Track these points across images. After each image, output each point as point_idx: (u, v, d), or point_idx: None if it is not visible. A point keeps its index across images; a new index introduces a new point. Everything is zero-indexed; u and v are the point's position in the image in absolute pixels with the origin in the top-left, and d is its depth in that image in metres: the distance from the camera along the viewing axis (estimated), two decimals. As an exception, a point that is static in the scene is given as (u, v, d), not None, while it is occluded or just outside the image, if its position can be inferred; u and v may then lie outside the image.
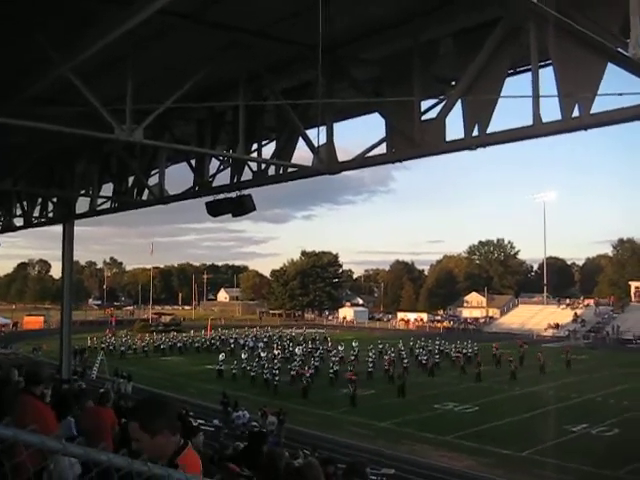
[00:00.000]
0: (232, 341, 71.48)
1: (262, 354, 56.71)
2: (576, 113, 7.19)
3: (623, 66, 6.77)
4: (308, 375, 44.55)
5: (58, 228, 20.31)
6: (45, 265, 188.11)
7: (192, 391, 43.61)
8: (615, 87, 6.92)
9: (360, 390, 41.33)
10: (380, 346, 60.78)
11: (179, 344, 71.71)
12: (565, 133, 7.67)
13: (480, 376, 47.62)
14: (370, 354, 53.40)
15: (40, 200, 19.85)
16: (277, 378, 44.28)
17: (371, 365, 50.47)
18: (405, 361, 52.60)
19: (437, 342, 63.86)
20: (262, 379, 46.09)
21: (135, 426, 3.28)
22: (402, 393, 41.54)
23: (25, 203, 20.06)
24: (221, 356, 54.27)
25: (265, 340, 73.16)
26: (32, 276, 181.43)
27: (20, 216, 20.47)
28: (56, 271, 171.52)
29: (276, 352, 58.29)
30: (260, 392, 42.70)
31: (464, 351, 59.94)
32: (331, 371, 47.47)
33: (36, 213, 20.06)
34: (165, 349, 69.21)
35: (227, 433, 27.62)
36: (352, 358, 54.88)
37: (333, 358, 52.62)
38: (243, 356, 54.03)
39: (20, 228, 21.11)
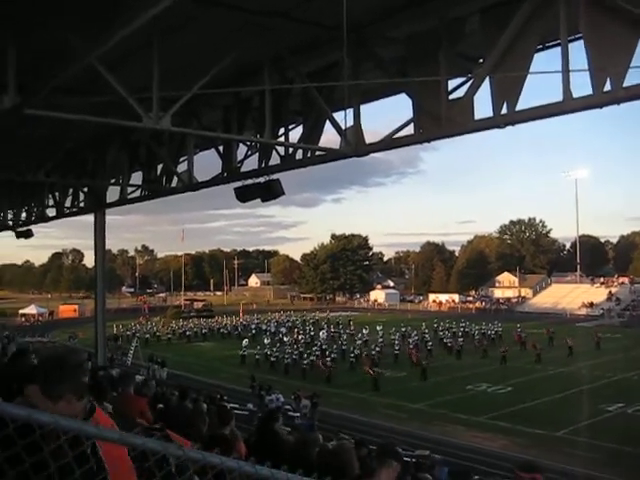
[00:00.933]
0: (253, 327, 71.06)
1: (285, 339, 56.80)
2: (608, 87, 7.05)
3: (656, 37, 6.61)
4: (329, 361, 44.55)
5: (90, 217, 20.57)
6: (78, 254, 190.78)
7: (225, 376, 44.04)
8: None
9: (391, 372, 41.46)
10: (403, 329, 60.50)
11: (204, 330, 72.06)
12: (597, 108, 7.52)
13: (505, 359, 47.18)
14: (394, 337, 54.01)
15: (71, 190, 20.10)
16: (305, 362, 44.53)
17: (397, 348, 50.57)
18: (429, 344, 52.32)
19: (462, 324, 63.57)
20: (283, 364, 46.38)
21: (34, 389, 2.82)
22: (424, 376, 41.36)
23: (57, 194, 20.33)
24: (245, 342, 54.74)
25: (289, 325, 73.10)
26: (66, 266, 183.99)
27: (52, 206, 20.75)
28: (89, 260, 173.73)
29: (299, 337, 58.05)
30: (287, 376, 43.07)
31: (488, 332, 59.49)
32: (352, 355, 47.34)
33: (68, 203, 20.32)
34: (198, 334, 69.95)
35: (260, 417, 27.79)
36: (378, 341, 54.33)
37: (358, 342, 52.50)
38: (265, 341, 54.19)
39: (53, 218, 21.41)
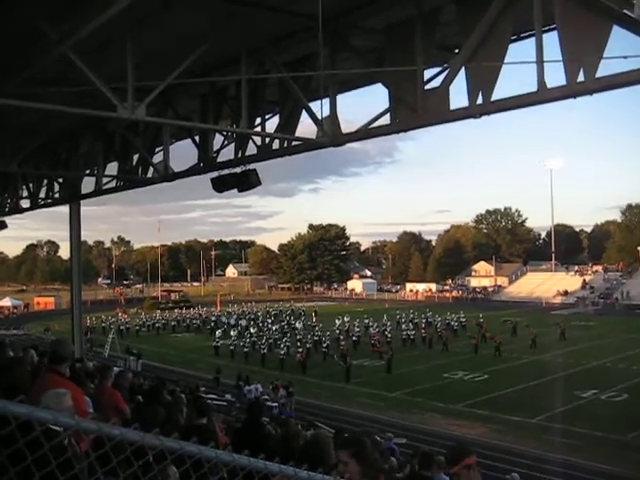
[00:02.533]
0: (214, 319, 69.38)
1: (252, 330, 55.47)
2: (581, 78, 7.11)
3: (629, 28, 6.69)
4: (303, 351, 44.48)
5: (65, 208, 20.35)
6: (53, 246, 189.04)
7: (201, 366, 44.04)
8: (620, 50, 6.84)
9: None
10: (366, 320, 59.66)
11: (172, 322, 71.25)
12: (570, 98, 7.59)
13: (477, 349, 47.12)
14: (356, 329, 54.29)
15: (46, 181, 19.87)
16: (282, 352, 44.48)
17: (355, 339, 51.19)
18: (389, 336, 51.36)
19: (426, 314, 63.37)
20: (260, 354, 46.45)
21: None
22: (388, 369, 41.04)
23: (31, 185, 20.10)
24: (218, 333, 54.65)
25: (250, 317, 71.49)
26: (41, 257, 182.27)
27: (27, 198, 20.51)
28: (65, 252, 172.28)
29: (253, 330, 55.92)
30: (264, 367, 43.23)
31: (451, 323, 59.08)
32: (324, 345, 47.25)
33: (42, 194, 20.09)
34: (175, 326, 69.67)
35: (239, 407, 27.88)
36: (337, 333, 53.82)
37: (318, 334, 51.39)
38: (232, 333, 53.87)
39: (27, 209, 21.16)
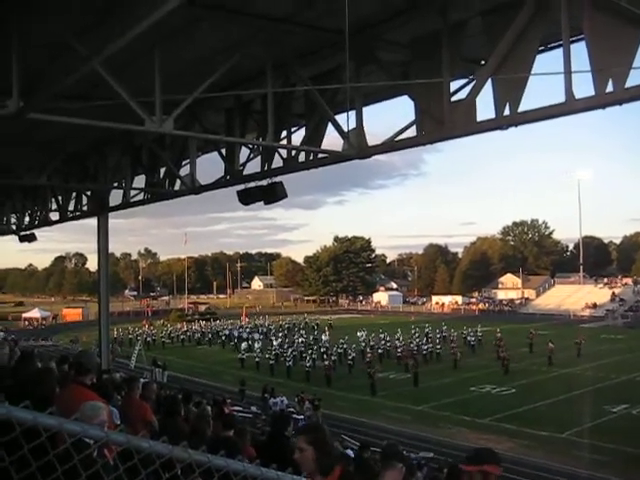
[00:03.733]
0: (227, 332, 69.33)
1: (275, 343, 54.37)
2: (610, 88, 7.04)
3: (658, 38, 6.61)
4: (329, 363, 44.30)
5: (93, 221, 20.59)
6: (81, 258, 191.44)
7: (228, 379, 44.09)
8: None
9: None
10: (382, 334, 56.47)
11: (197, 334, 71.24)
12: (598, 109, 7.51)
13: (507, 367, 44.52)
14: (382, 341, 53.42)
15: (74, 194, 20.12)
16: (308, 365, 44.49)
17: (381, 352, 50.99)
18: (415, 349, 49.76)
19: (441, 328, 60.80)
20: (285, 366, 46.35)
21: None
22: (415, 382, 40.54)
23: (60, 197, 20.36)
24: (244, 345, 54.67)
25: (263, 330, 71.32)
26: (69, 269, 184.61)
27: (55, 210, 20.78)
28: (92, 264, 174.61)
29: (276, 343, 54.56)
30: (290, 379, 43.13)
31: (468, 338, 56.57)
32: (350, 358, 46.97)
33: (71, 207, 20.33)
34: (199, 338, 69.77)
35: (265, 419, 27.84)
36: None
37: (344, 347, 50.72)
38: (256, 345, 54.14)
39: (56, 222, 21.42)
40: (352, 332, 60.59)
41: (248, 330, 70.52)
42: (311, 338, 60.34)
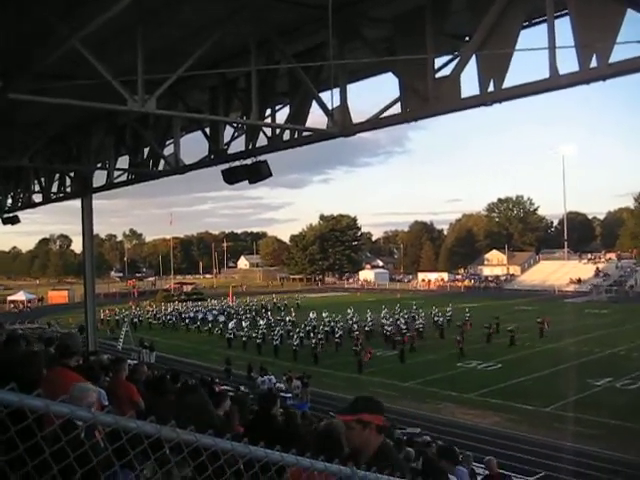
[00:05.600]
0: (192, 314, 68.08)
1: (261, 322, 54.65)
2: (594, 63, 7.04)
3: (642, 13, 6.60)
4: (316, 341, 44.60)
5: (77, 202, 20.42)
6: (66, 240, 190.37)
7: (216, 358, 44.20)
8: (635, 35, 6.75)
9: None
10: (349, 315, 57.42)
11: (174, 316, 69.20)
12: (583, 84, 7.51)
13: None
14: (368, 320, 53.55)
15: (57, 175, 19.93)
16: (295, 343, 44.82)
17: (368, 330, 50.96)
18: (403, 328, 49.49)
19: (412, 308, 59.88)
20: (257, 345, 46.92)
21: None
22: (402, 358, 41.14)
23: (43, 179, 20.16)
24: (230, 324, 54.65)
25: (230, 312, 69.81)
26: (54, 251, 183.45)
27: (39, 192, 20.58)
28: (77, 245, 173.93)
29: (262, 322, 54.89)
30: (277, 358, 43.33)
31: (435, 319, 54.61)
32: (337, 336, 47.29)
33: (54, 189, 20.14)
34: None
35: (253, 398, 27.95)
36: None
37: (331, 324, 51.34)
38: (244, 324, 54.04)
39: (39, 204, 21.24)
40: (338, 310, 60.86)
41: (215, 312, 69.23)
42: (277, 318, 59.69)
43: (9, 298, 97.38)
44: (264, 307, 74.17)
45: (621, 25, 6.81)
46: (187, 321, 64.90)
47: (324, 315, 57.78)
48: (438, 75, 9.05)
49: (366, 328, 51.79)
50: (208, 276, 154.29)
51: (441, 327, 52.82)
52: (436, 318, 54.96)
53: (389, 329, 49.73)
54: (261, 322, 54.39)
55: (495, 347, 44.45)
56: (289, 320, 56.80)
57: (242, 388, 31.82)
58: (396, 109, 9.76)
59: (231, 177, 12.53)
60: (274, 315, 63.33)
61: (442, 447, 13.28)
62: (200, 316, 66.34)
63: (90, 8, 6.92)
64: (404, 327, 49.86)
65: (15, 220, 22.29)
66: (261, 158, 12.13)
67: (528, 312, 56.81)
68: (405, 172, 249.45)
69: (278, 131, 11.84)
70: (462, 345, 42.51)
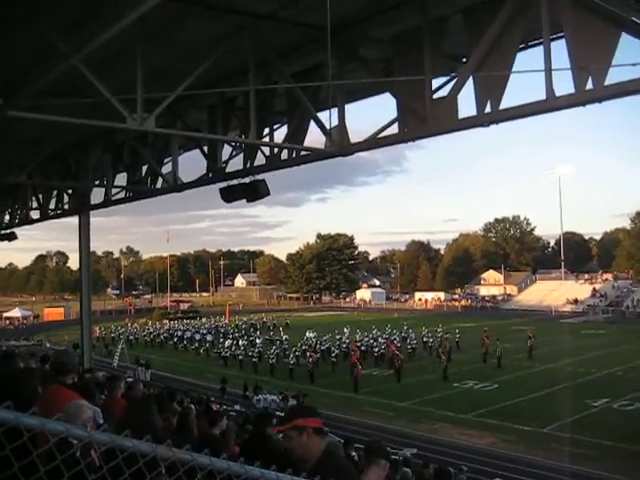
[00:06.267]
0: (180, 333, 66.16)
1: (258, 341, 53.93)
2: (590, 86, 7.11)
3: (637, 36, 6.69)
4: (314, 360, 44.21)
5: (74, 219, 20.43)
6: (63, 257, 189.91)
7: (210, 376, 43.95)
8: (629, 58, 6.82)
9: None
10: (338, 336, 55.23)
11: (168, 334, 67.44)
12: (579, 106, 7.59)
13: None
14: (365, 338, 52.82)
15: (55, 192, 19.97)
16: (291, 362, 44.37)
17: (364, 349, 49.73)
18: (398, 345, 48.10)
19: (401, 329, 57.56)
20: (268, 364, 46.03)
21: None
22: (398, 378, 40.63)
23: (41, 196, 20.19)
24: (227, 343, 54.10)
25: (220, 330, 68.43)
26: (50, 268, 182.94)
27: (36, 209, 20.61)
28: (74, 262, 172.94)
29: (259, 341, 54.14)
30: (273, 377, 43.09)
31: (425, 339, 52.70)
32: (333, 355, 46.82)
33: (52, 205, 20.19)
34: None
35: (248, 417, 27.80)
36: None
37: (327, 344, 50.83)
38: (240, 343, 53.46)
39: (37, 221, 21.27)
40: (340, 329, 60.65)
41: (204, 331, 67.93)
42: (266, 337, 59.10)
43: (5, 315, 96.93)
44: (253, 326, 73.18)
45: (616, 48, 6.89)
46: (175, 340, 64.00)
47: (310, 335, 57.32)
48: (435, 96, 9.13)
49: (362, 347, 51.04)
50: (205, 294, 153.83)
51: (431, 347, 51.53)
52: (425, 339, 53.33)
53: (376, 350, 48.87)
54: (257, 341, 53.96)
55: (491, 367, 44.24)
56: (285, 339, 56.47)
57: (237, 407, 31.69)
58: (394, 129, 9.84)
59: (229, 195, 12.57)
60: (263, 334, 62.47)
61: (438, 469, 13.23)
62: (188, 335, 65.27)
63: (92, 27, 6.98)
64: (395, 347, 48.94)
65: (12, 236, 22.28)
66: (259, 177, 12.18)
67: (525, 332, 56.57)
68: (403, 191, 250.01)
69: (276, 150, 11.90)
70: (446, 365, 41.58)
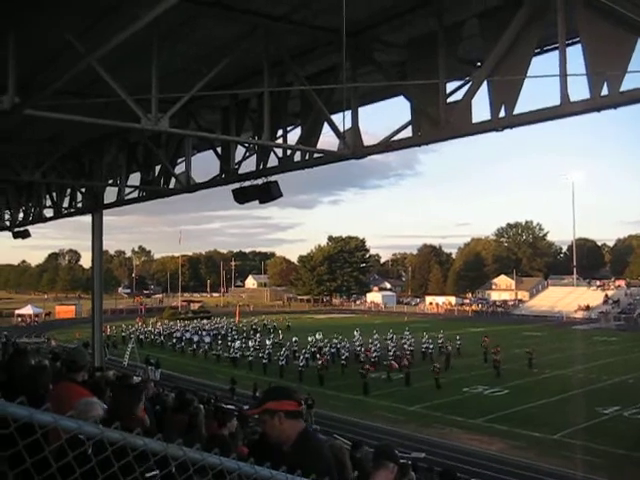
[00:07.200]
0: (179, 334, 65.98)
1: (268, 342, 53.53)
2: (605, 91, 7.07)
3: (654, 42, 6.65)
4: (322, 362, 44.22)
5: (87, 218, 20.54)
6: (75, 255, 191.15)
7: (221, 377, 44.02)
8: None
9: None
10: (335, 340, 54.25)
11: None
12: (594, 112, 7.54)
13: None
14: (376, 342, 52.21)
15: (69, 191, 20.09)
16: (301, 364, 44.42)
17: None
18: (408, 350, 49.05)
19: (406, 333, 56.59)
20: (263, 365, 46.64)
21: None
22: (407, 382, 40.52)
23: (54, 194, 20.32)
24: (237, 344, 54.34)
25: (215, 332, 67.89)
26: (63, 266, 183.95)
27: (50, 207, 20.72)
28: (86, 261, 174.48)
29: (269, 342, 53.63)
30: (282, 378, 43.08)
31: (424, 346, 51.29)
32: (343, 358, 46.65)
33: (65, 204, 20.30)
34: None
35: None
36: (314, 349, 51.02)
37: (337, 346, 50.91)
38: (250, 344, 53.73)
39: (50, 219, 21.39)
40: (346, 332, 60.30)
41: (204, 332, 67.66)
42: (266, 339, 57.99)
43: (17, 312, 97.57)
44: (253, 328, 72.80)
45: (632, 53, 6.86)
46: (174, 341, 63.86)
47: (317, 337, 57.00)
48: (450, 100, 9.10)
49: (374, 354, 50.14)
50: (215, 295, 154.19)
51: (447, 353, 50.29)
52: (425, 346, 51.72)
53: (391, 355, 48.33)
54: (267, 342, 53.99)
55: (502, 372, 44.03)
56: (295, 341, 56.35)
57: (246, 407, 31.71)
58: (407, 132, 9.82)
59: (242, 197, 12.59)
60: (263, 337, 61.64)
61: (443, 471, 13.17)
62: (187, 336, 65.09)
63: (108, 27, 7.03)
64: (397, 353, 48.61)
65: (26, 234, 22.41)
66: (272, 178, 12.19)
67: (537, 338, 56.33)
68: (415, 195, 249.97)
69: (289, 152, 11.91)
70: (439, 375, 40.54)
